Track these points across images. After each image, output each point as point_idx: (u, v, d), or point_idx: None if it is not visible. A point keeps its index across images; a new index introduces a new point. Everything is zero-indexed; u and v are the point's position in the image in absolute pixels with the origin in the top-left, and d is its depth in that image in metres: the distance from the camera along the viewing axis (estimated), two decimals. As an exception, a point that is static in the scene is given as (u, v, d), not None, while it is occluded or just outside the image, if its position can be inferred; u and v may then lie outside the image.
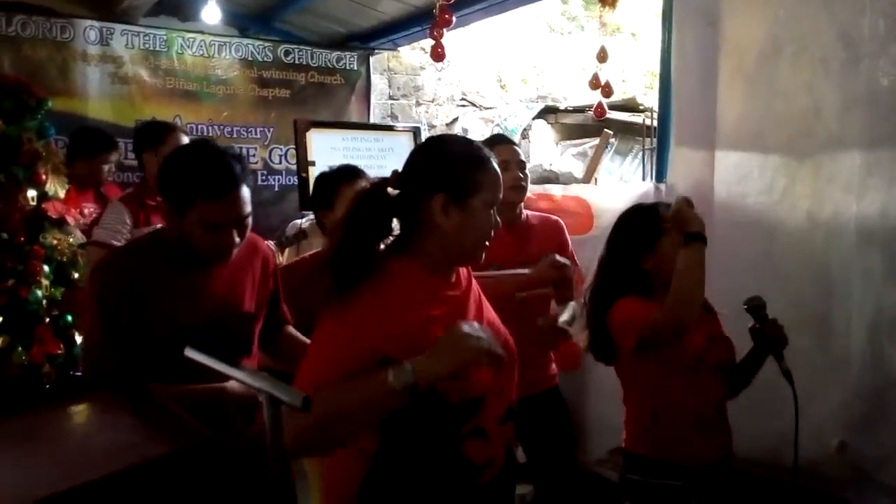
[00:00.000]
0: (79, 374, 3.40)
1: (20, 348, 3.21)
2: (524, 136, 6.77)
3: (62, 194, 3.48)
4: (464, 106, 7.52)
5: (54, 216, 3.37)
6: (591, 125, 6.16)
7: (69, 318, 3.36)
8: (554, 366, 2.72)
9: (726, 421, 2.06)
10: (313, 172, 4.34)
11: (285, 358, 1.94)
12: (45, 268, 3.31)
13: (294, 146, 4.55)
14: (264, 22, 5.67)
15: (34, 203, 3.34)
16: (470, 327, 1.34)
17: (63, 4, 4.58)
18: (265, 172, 5.21)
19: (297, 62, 5.36)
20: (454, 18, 4.14)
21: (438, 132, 7.36)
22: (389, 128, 5.58)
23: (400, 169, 1.51)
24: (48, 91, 3.91)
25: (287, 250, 3.17)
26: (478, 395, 1.42)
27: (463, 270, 1.58)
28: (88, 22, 4.51)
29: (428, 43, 4.30)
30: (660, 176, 3.44)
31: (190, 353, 1.46)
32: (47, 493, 1.09)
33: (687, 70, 3.14)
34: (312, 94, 5.44)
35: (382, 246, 1.49)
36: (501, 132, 3.09)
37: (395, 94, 7.10)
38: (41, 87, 3.81)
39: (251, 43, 5.23)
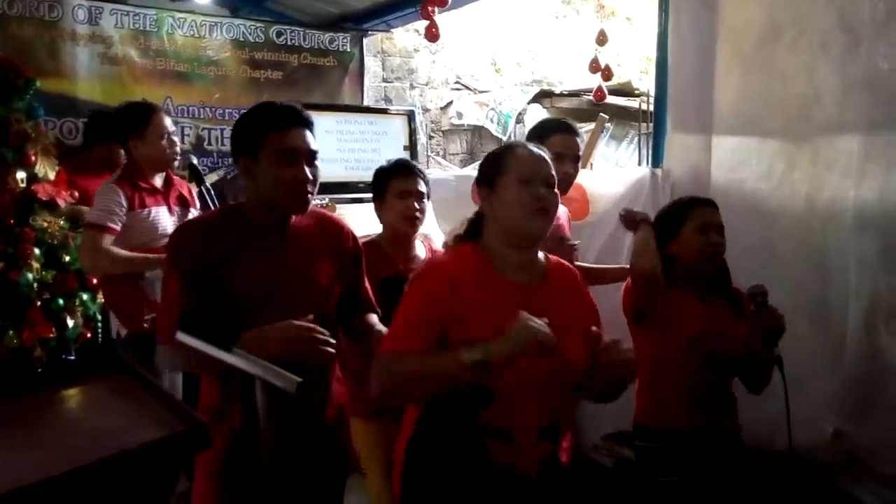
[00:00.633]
0: (71, 357, 3.39)
1: (11, 332, 3.19)
2: (519, 120, 6.74)
3: (52, 176, 3.44)
4: (458, 89, 7.47)
5: (44, 198, 3.33)
6: (587, 109, 6.14)
7: (60, 301, 3.33)
8: None
9: (728, 401, 2.16)
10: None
11: (357, 341, 1.97)
12: (36, 250, 3.28)
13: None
14: (256, 2, 5.59)
15: (24, 185, 3.31)
16: (531, 318, 1.40)
17: (51, -17, 4.49)
18: (257, 155, 5.16)
19: (289, 43, 5.30)
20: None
21: (432, 115, 7.32)
22: (383, 111, 5.53)
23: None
24: (36, 71, 3.85)
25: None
26: (491, 384, 1.46)
27: (552, 265, 1.67)
28: (77, 1, 4.42)
29: (422, 25, 4.26)
30: (656, 161, 3.42)
31: (181, 337, 1.44)
32: (33, 480, 1.07)
33: (684, 54, 3.11)
34: (305, 75, 5.38)
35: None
36: (564, 119, 2.97)
37: (388, 77, 7.05)
38: (29, 68, 3.75)
39: (243, 23, 5.16)
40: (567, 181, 2.56)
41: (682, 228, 2.11)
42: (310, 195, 1.75)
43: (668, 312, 2.07)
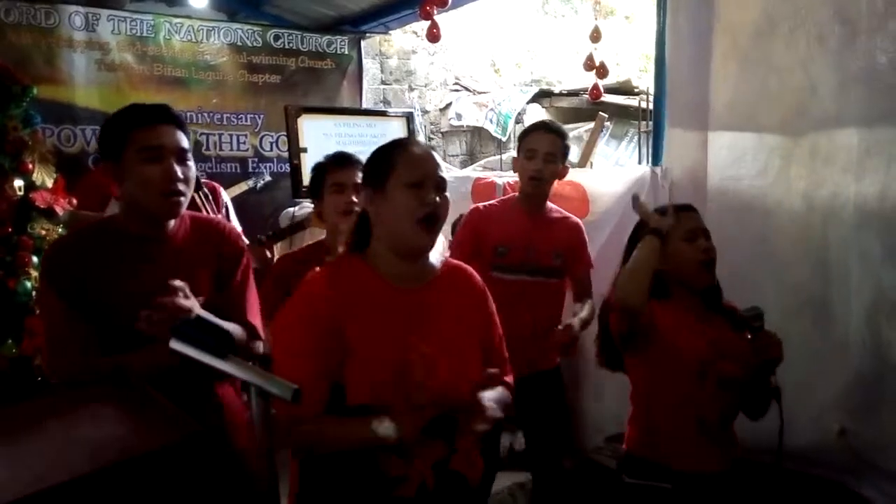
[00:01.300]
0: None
1: (10, 341, 3.19)
2: (518, 120, 6.72)
3: (50, 183, 3.44)
4: (457, 91, 7.45)
5: (42, 206, 3.33)
6: (586, 109, 6.12)
7: (59, 309, 3.33)
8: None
9: (731, 433, 1.99)
10: (305, 159, 4.29)
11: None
12: (34, 258, 3.27)
13: (285, 133, 4.49)
14: (253, 6, 5.58)
15: (21, 193, 3.30)
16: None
17: (48, -10, 4.49)
18: (256, 160, 5.15)
19: (286, 47, 5.30)
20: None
21: (431, 117, 7.30)
22: (382, 113, 5.52)
23: None
24: (33, 79, 3.84)
25: (279, 244, 3.11)
26: (375, 401, 1.40)
27: (446, 266, 1.58)
28: (74, 7, 4.42)
29: (420, 26, 4.26)
30: (656, 159, 3.41)
31: (175, 344, 1.42)
32: (25, 493, 1.06)
33: (681, 50, 3.10)
34: (303, 79, 5.37)
35: None
36: (547, 120, 3.07)
37: (387, 79, 7.03)
38: (26, 75, 3.75)
39: (240, 28, 5.16)
40: (536, 178, 2.59)
41: (668, 240, 1.91)
42: (181, 196, 1.67)
43: (669, 334, 1.89)
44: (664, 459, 1.92)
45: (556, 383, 2.71)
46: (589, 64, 4.46)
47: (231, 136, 5.04)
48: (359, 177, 2.23)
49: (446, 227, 3.59)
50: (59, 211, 3.38)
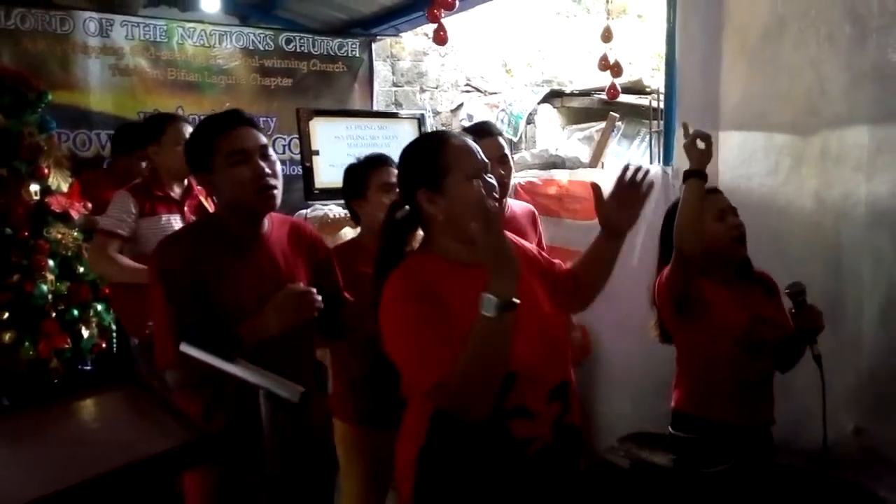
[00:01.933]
0: (87, 367, 3.42)
1: (27, 343, 3.23)
2: (530, 120, 6.71)
3: (65, 188, 3.48)
4: (468, 92, 7.46)
5: (58, 210, 3.38)
6: (598, 109, 6.11)
7: (75, 312, 3.38)
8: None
9: (770, 390, 2.18)
10: (317, 162, 4.31)
11: (350, 326, 1.98)
12: (50, 262, 3.32)
13: (297, 135, 4.52)
14: (265, 10, 5.63)
15: (37, 197, 3.35)
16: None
17: (62, -4, 4.56)
18: (269, 162, 5.19)
19: (298, 50, 5.33)
20: (457, 2, 4.10)
21: (443, 118, 7.32)
22: (393, 115, 5.53)
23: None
24: (49, 84, 3.91)
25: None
26: (508, 370, 1.43)
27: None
28: (88, 13, 4.48)
29: (431, 28, 4.26)
30: (667, 159, 3.39)
31: (185, 348, 1.44)
32: (37, 495, 1.08)
33: (690, 49, 3.08)
34: (315, 82, 5.40)
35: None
36: (479, 123, 3.11)
37: (398, 81, 7.06)
38: (41, 81, 3.82)
39: (252, 31, 5.19)
40: (501, 182, 2.59)
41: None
42: (274, 189, 1.76)
43: (709, 304, 2.07)
44: (708, 414, 2.11)
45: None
46: (604, 64, 4.46)
47: (244, 139, 5.08)
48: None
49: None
50: (75, 215, 3.43)
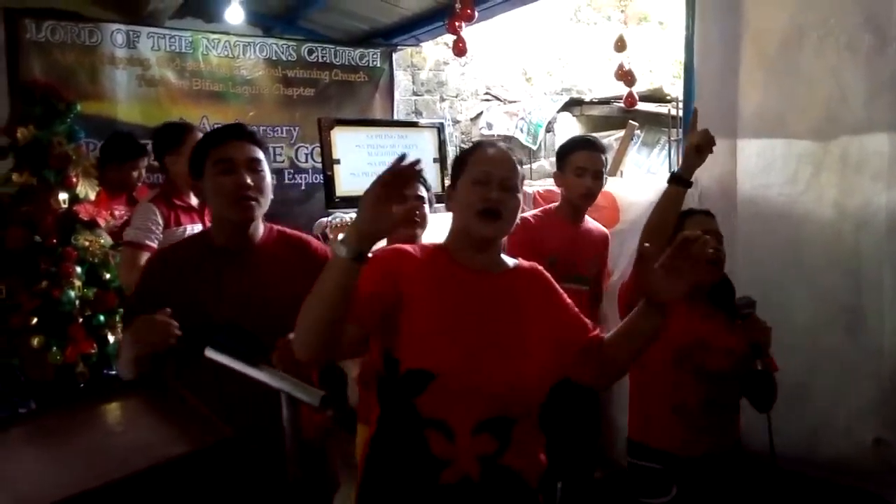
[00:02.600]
0: (113, 372, 3.48)
1: (55, 348, 3.30)
2: (549, 129, 6.72)
3: (93, 196, 3.56)
4: (488, 100, 7.49)
5: (86, 218, 3.45)
6: (617, 117, 6.11)
7: (101, 317, 3.44)
8: None
9: (723, 419, 2.07)
10: (338, 170, 4.36)
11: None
12: (78, 269, 3.39)
13: (319, 144, 4.58)
14: (287, 21, 5.71)
15: (66, 206, 3.43)
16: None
17: (91, 9, 4.65)
18: (292, 171, 5.26)
19: (320, 61, 5.39)
20: (476, 13, 4.14)
21: (462, 127, 7.35)
22: (413, 124, 5.58)
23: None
24: (78, 95, 4.01)
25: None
26: (425, 367, 1.42)
27: (522, 266, 1.63)
28: (115, 26, 4.58)
29: (451, 38, 4.29)
30: (685, 167, 3.39)
31: (210, 353, 1.48)
32: (64, 495, 1.12)
33: (709, 58, 3.09)
34: (337, 92, 5.46)
35: None
36: (588, 137, 3.28)
37: (419, 90, 7.11)
38: (70, 92, 3.91)
39: (275, 42, 5.27)
40: (589, 195, 2.75)
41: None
42: (252, 201, 1.77)
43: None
44: (652, 442, 2.07)
45: (587, 392, 2.71)
46: (619, 73, 4.47)
47: (267, 148, 5.15)
48: (421, 190, 2.47)
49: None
50: (102, 223, 3.50)
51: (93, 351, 3.38)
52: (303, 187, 5.29)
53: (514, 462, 1.48)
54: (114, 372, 3.48)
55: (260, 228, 1.86)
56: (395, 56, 5.82)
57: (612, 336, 1.58)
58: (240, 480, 1.57)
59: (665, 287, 1.45)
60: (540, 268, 1.67)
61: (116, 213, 3.57)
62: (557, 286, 1.65)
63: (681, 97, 4.29)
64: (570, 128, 6.62)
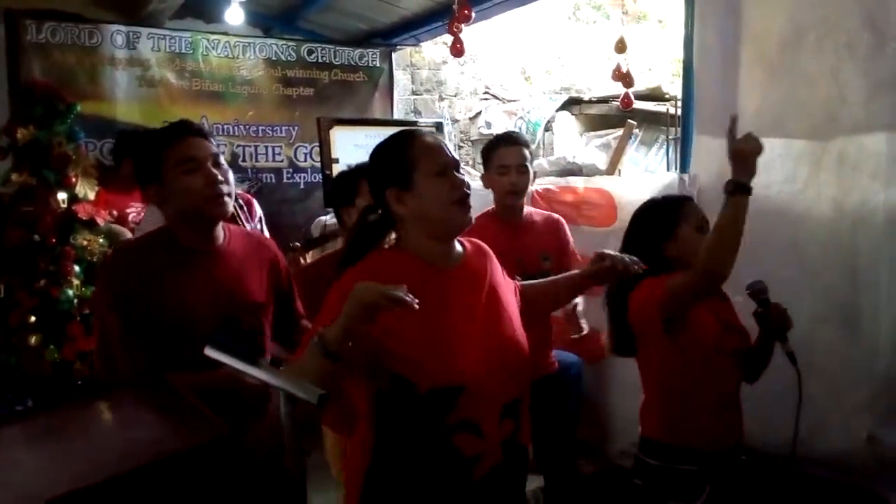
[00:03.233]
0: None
1: (52, 346, 3.31)
2: (548, 128, 6.73)
3: (92, 196, 3.57)
4: (487, 99, 7.50)
5: (84, 217, 3.47)
6: (616, 116, 6.11)
7: (100, 316, 3.45)
8: (553, 354, 2.75)
9: (739, 405, 2.08)
10: (337, 169, 4.37)
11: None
12: (76, 268, 3.41)
13: (318, 143, 4.59)
14: (287, 21, 5.71)
15: (65, 205, 3.44)
16: (363, 283, 1.34)
17: (91, 10, 4.65)
18: (291, 170, 5.26)
19: (320, 61, 5.39)
20: (473, 14, 4.14)
21: (461, 126, 7.36)
22: (412, 123, 5.59)
23: None
24: (78, 95, 4.01)
25: (311, 252, 3.19)
26: (454, 384, 1.43)
27: (469, 246, 1.63)
28: (115, 26, 4.58)
29: (450, 37, 4.30)
30: (684, 166, 3.40)
31: (210, 352, 1.49)
32: (63, 491, 1.12)
33: (708, 57, 3.10)
34: (336, 91, 5.47)
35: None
36: (512, 130, 3.22)
37: (418, 90, 7.12)
38: (71, 93, 3.91)
39: (275, 43, 5.27)
40: (515, 191, 2.70)
41: (679, 229, 2.03)
42: (226, 196, 1.75)
43: (690, 318, 1.96)
44: (690, 441, 1.97)
45: (556, 387, 2.72)
46: (617, 74, 4.48)
47: (266, 147, 5.16)
48: None
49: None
50: (101, 222, 3.51)
51: (90, 349, 3.39)
52: (301, 186, 5.29)
53: (522, 437, 1.56)
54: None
55: (221, 229, 1.84)
56: (394, 56, 5.82)
57: (532, 288, 1.75)
58: (238, 477, 1.58)
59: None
60: (476, 241, 1.68)
61: (134, 209, 3.58)
62: (487, 247, 1.69)
63: (679, 96, 4.30)
64: (568, 127, 6.62)
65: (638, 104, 5.70)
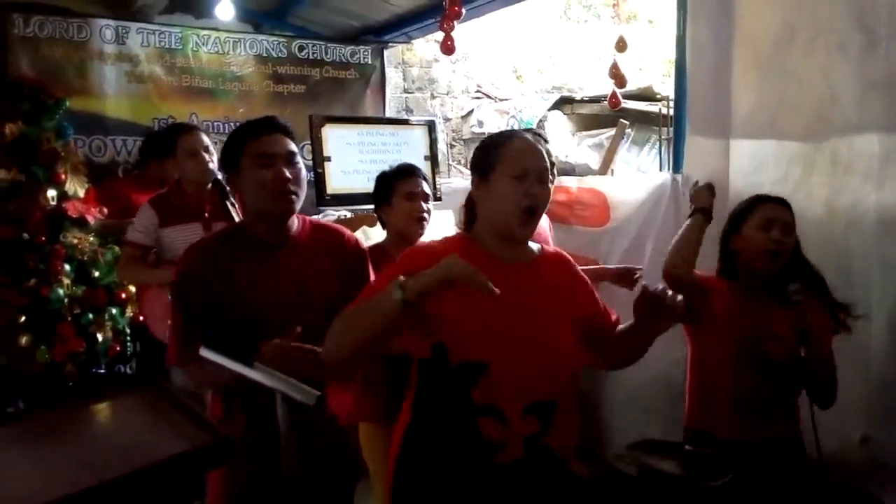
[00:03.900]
0: (101, 371, 3.47)
1: (43, 347, 3.28)
2: (540, 127, 6.72)
3: (82, 193, 3.54)
4: (479, 98, 7.49)
5: (74, 215, 3.43)
6: (608, 115, 6.11)
7: (90, 316, 3.42)
8: None
9: (781, 409, 2.10)
10: (328, 167, 4.35)
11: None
12: (67, 267, 3.37)
13: (309, 141, 4.56)
14: (278, 17, 5.68)
15: (54, 203, 3.41)
16: (457, 259, 1.44)
17: (79, 4, 4.61)
18: (282, 168, 5.23)
19: (311, 57, 5.36)
20: (464, 11, 4.14)
21: (453, 124, 7.35)
22: (404, 121, 5.56)
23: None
24: (66, 91, 3.97)
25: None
26: (478, 358, 1.49)
27: (546, 252, 1.69)
28: (104, 21, 4.53)
29: (442, 35, 4.28)
30: (677, 166, 3.41)
31: (204, 352, 1.47)
32: (56, 496, 1.11)
33: (701, 58, 3.10)
34: (327, 89, 5.44)
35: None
36: (536, 130, 3.19)
37: (409, 88, 7.09)
38: (59, 88, 3.87)
39: (265, 39, 5.24)
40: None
41: (745, 224, 2.10)
42: (293, 195, 1.81)
43: (719, 312, 2.04)
44: (706, 427, 2.09)
45: None
46: (614, 72, 4.49)
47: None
48: (426, 187, 2.50)
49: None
50: (91, 220, 3.48)
51: (81, 349, 3.36)
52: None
53: (552, 442, 1.57)
54: (102, 371, 3.47)
55: (295, 221, 1.89)
56: (385, 53, 5.80)
57: (621, 331, 1.72)
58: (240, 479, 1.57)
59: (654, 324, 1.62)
60: (564, 253, 1.76)
61: None
62: (580, 270, 1.74)
63: (671, 96, 4.31)
64: (560, 126, 6.62)
65: (629, 104, 5.71)
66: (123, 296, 3.50)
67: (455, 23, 4.12)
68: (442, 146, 6.54)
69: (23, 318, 3.25)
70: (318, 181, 4.38)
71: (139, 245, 2.99)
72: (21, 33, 4.22)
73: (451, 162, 6.82)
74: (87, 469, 1.25)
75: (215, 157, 3.05)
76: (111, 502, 1.21)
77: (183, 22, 5.12)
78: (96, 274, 3.46)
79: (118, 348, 3.54)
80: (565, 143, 6.24)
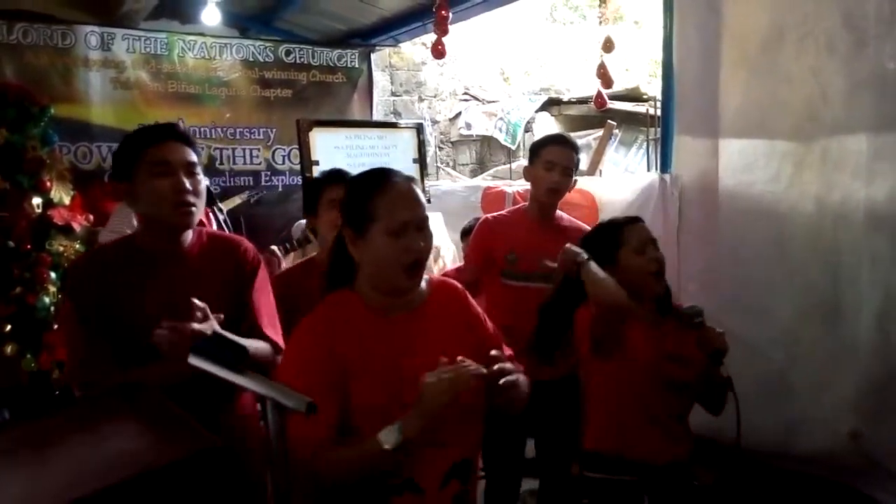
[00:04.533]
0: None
1: (29, 355, 3.24)
2: (528, 129, 6.74)
3: (67, 201, 3.50)
4: (466, 100, 7.50)
5: (60, 223, 3.40)
6: (595, 116, 6.14)
7: (77, 324, 3.38)
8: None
9: (684, 429, 2.05)
10: (317, 172, 4.33)
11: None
12: (52, 274, 3.33)
13: (297, 146, 4.54)
14: (264, 22, 5.66)
15: (40, 210, 3.37)
16: (432, 374, 1.33)
17: (64, 10, 4.56)
18: (269, 173, 5.20)
19: (298, 62, 5.34)
20: (451, 14, 4.15)
21: (441, 127, 7.35)
22: (392, 125, 5.55)
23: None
24: (51, 98, 3.92)
25: (292, 254, 3.17)
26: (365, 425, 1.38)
27: (433, 286, 1.55)
28: (89, 27, 4.49)
29: (429, 38, 4.29)
30: (664, 166, 3.42)
31: (193, 360, 1.45)
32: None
33: (689, 58, 3.12)
34: (315, 93, 5.42)
35: None
36: (564, 134, 3.15)
37: (397, 91, 7.09)
38: (44, 95, 3.83)
39: (252, 43, 5.21)
40: (555, 190, 2.63)
41: (619, 252, 2.01)
42: (192, 206, 1.71)
43: (624, 342, 1.96)
44: (620, 451, 1.98)
45: (567, 389, 2.71)
46: (601, 72, 4.51)
47: (244, 150, 5.10)
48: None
49: (455, 236, 3.62)
50: (77, 227, 3.45)
51: (68, 358, 3.33)
52: (280, 189, 5.24)
53: (473, 491, 1.50)
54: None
55: (189, 233, 1.79)
56: (373, 57, 5.79)
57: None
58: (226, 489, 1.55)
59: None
60: (451, 282, 1.62)
61: None
62: (469, 298, 1.61)
63: (658, 96, 4.32)
64: (548, 127, 6.64)
65: (616, 104, 5.73)
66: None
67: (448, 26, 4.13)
68: (430, 149, 6.53)
69: (9, 327, 3.22)
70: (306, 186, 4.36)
71: None
72: (5, 40, 4.18)
73: (439, 164, 6.82)
74: (77, 479, 1.22)
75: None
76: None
77: (169, 27, 5.08)
78: (83, 282, 3.42)
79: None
80: (554, 144, 6.25)
